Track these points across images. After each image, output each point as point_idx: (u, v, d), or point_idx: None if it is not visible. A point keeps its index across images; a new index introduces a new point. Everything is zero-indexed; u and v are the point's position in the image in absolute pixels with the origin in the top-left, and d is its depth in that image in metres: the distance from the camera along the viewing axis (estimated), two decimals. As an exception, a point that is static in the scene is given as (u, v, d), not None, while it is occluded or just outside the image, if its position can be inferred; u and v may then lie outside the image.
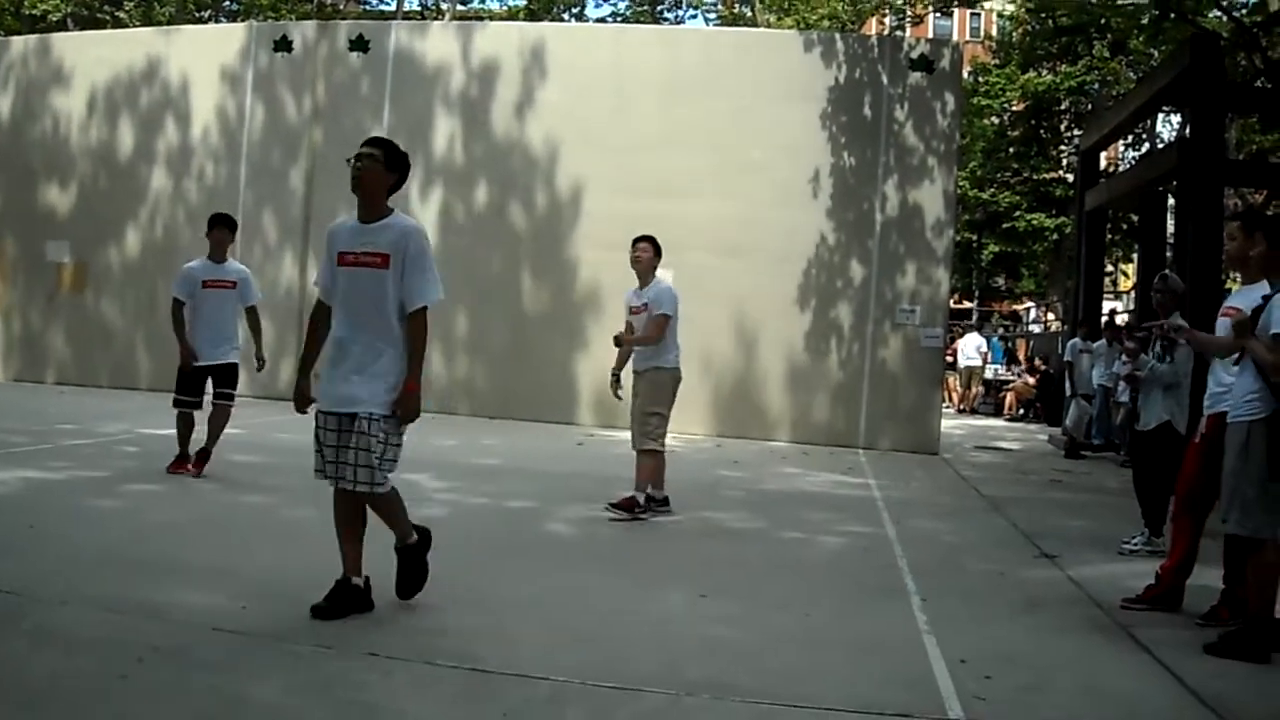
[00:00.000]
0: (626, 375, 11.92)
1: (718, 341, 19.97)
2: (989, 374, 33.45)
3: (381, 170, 7.00)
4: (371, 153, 7.01)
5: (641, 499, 10.99)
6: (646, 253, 11.70)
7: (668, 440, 11.55)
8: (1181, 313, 10.40)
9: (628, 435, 18.78)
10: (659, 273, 12.03)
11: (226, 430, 12.10)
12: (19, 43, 25.21)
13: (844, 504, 13.05)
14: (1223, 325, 7.87)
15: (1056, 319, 35.94)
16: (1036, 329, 40.56)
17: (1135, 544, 10.48)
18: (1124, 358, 11.36)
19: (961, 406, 32.77)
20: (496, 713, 5.25)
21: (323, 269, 7.28)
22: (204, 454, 11.85)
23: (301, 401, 7.62)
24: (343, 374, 7.03)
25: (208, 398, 12.01)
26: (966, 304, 49.62)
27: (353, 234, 7.02)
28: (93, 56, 23.75)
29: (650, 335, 11.31)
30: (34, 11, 38.75)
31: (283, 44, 22.49)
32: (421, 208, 21.23)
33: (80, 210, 23.41)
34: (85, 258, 23.38)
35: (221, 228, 12.36)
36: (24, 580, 6.96)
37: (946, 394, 28.90)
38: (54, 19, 38.67)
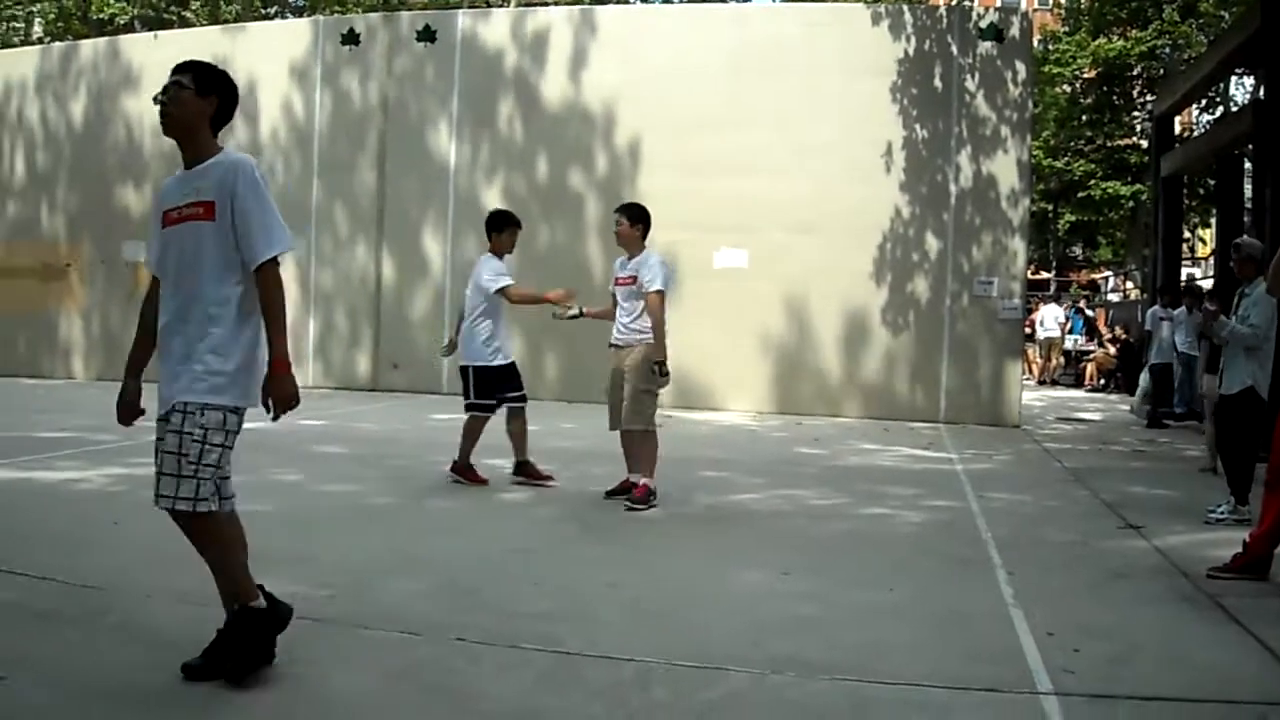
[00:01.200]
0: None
1: (794, 319, 19.98)
2: (1069, 344, 33.17)
3: (193, 97, 5.50)
4: (178, 79, 5.51)
5: (653, 483, 10.34)
6: (623, 225, 10.59)
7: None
8: (1261, 273, 10.24)
9: (707, 415, 18.90)
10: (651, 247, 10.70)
11: (307, 421, 12.13)
12: (88, 46, 25.48)
13: (926, 479, 12.97)
14: None
15: (1135, 287, 35.62)
16: (1115, 298, 40.19)
17: (1221, 512, 10.35)
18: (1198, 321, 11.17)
19: (1042, 378, 32.55)
20: (582, 695, 5.25)
21: (150, 240, 5.76)
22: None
23: (126, 412, 5.98)
24: (169, 368, 5.44)
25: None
26: (1044, 274, 49.21)
27: (178, 185, 5.55)
28: (160, 58, 23.92)
29: (656, 319, 10.21)
30: (101, 15, 39.09)
31: (349, 37, 22.60)
32: (487, 193, 21.33)
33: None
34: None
35: (513, 228, 12.32)
36: (109, 575, 7.03)
37: (1026, 366, 28.68)
38: (121, 21, 39.00)
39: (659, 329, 10.23)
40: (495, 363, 11.46)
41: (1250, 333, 10.04)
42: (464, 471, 11.38)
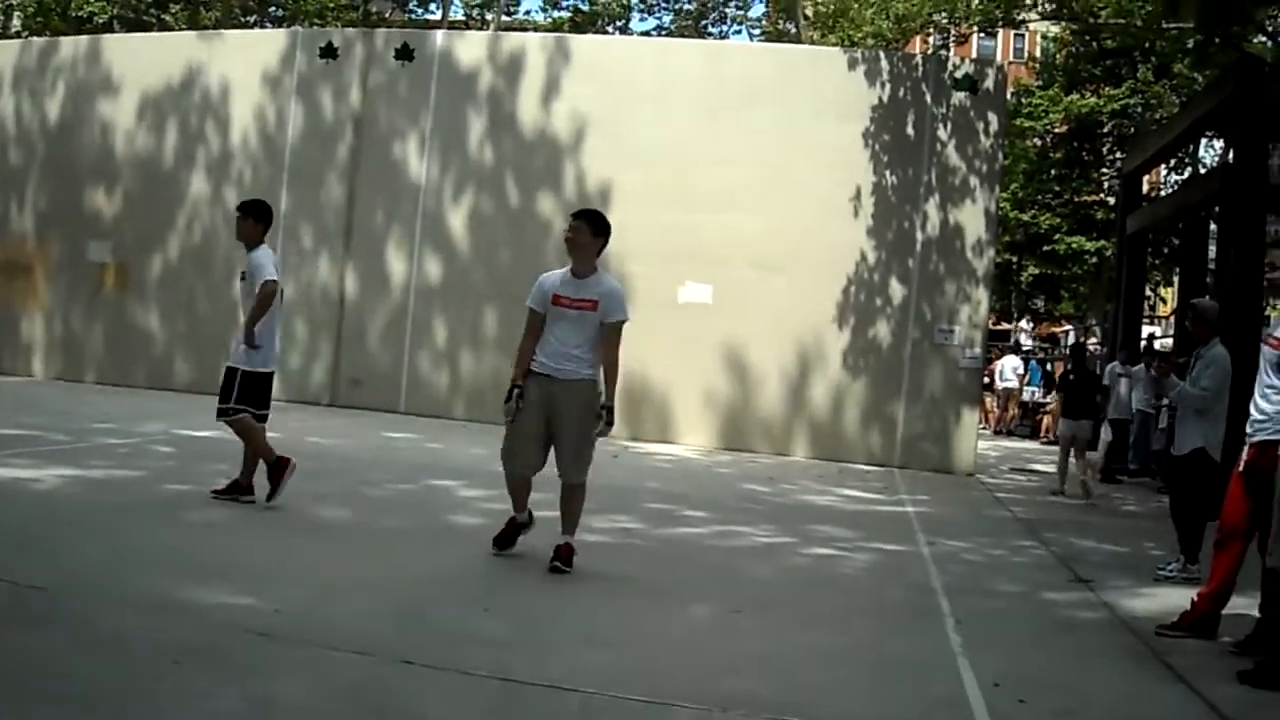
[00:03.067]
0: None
1: (755, 355, 20.02)
2: (1025, 396, 33.32)
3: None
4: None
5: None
6: (583, 234, 8.84)
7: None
8: (1220, 337, 10.39)
9: (658, 448, 18.88)
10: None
11: (268, 433, 11.93)
12: (68, 44, 25.38)
13: (878, 522, 13.02)
14: (1268, 355, 7.82)
15: (1095, 341, 35.81)
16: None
17: (1171, 570, 10.42)
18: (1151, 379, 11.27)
19: (998, 428, 32.67)
20: (527, 723, 5.24)
21: None
22: None
23: None
24: None
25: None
26: (1005, 325, 49.42)
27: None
28: (137, 60, 23.92)
29: (613, 358, 8.80)
30: (80, 13, 38.96)
31: (328, 51, 22.57)
32: (454, 213, 21.39)
33: (123, 213, 23.58)
34: (125, 261, 23.55)
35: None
36: (61, 577, 6.98)
37: (983, 415, 28.78)
38: (100, 20, 38.87)
39: (616, 368, 8.83)
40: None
41: (1199, 395, 10.13)
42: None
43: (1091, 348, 35.23)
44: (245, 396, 10.46)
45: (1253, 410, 7.97)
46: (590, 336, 8.72)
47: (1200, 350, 10.55)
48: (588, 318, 8.71)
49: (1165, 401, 11.73)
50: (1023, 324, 46.47)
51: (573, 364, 8.68)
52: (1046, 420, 31.25)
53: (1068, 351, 22.44)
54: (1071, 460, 17.42)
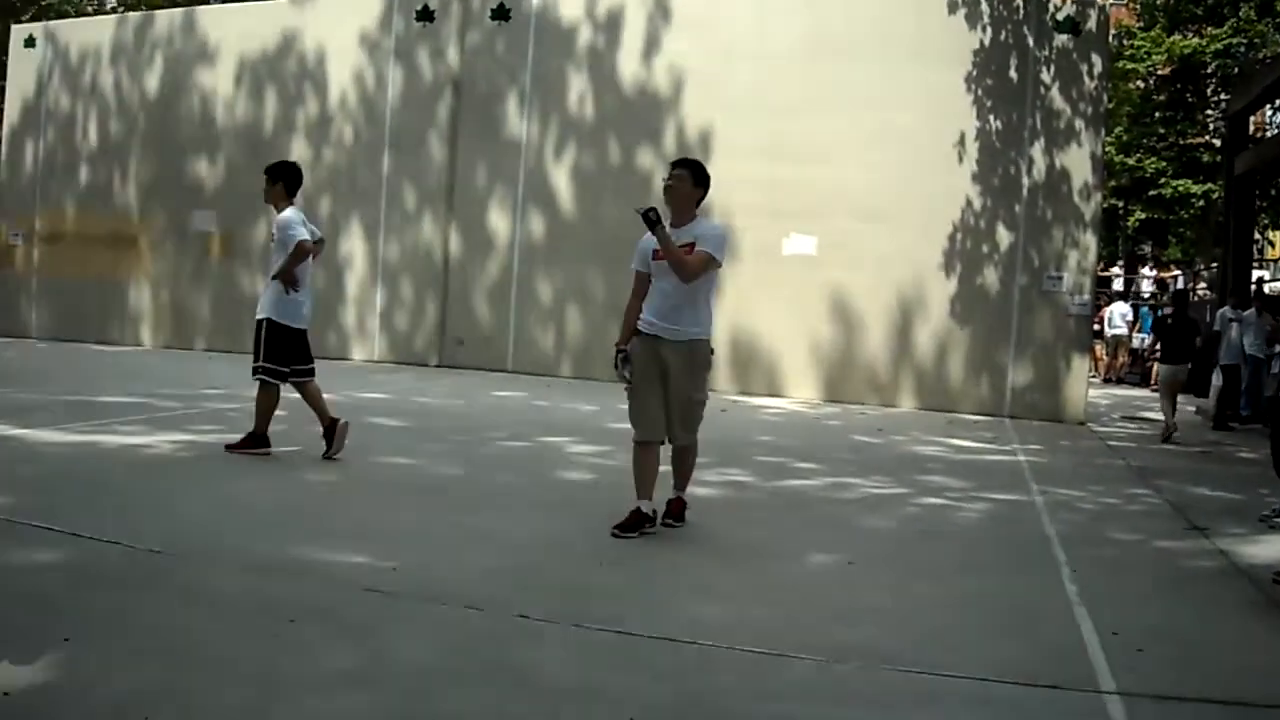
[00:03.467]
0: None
1: (861, 306, 19.92)
2: (1135, 343, 32.89)
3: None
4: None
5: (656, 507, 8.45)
6: (684, 184, 8.39)
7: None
8: None
9: (766, 401, 18.87)
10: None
11: (370, 394, 11.98)
12: (163, 17, 25.69)
13: (990, 471, 12.90)
14: None
15: (1204, 286, 35.28)
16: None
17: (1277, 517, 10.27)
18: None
19: (1108, 376, 32.29)
20: (645, 676, 5.23)
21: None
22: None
23: None
24: None
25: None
26: (1114, 271, 48.85)
27: None
28: (233, 29, 24.20)
29: (691, 263, 8.14)
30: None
31: (424, 14, 22.66)
32: (556, 171, 21.49)
33: (225, 183, 23.96)
34: (229, 229, 23.86)
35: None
36: (175, 539, 7.08)
37: (1093, 363, 28.45)
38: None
39: (687, 263, 8.12)
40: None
41: None
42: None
43: (1201, 293, 34.77)
44: (275, 353, 10.65)
45: None
46: (692, 286, 8.24)
47: None
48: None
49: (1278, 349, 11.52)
50: (1145, 270, 45.82)
51: (679, 322, 8.28)
52: (1156, 367, 30.87)
53: (1170, 298, 22.40)
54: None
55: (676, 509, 8.61)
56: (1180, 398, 17.85)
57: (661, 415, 8.38)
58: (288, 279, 10.68)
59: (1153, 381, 29.84)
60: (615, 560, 7.43)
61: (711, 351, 8.58)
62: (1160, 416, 18.14)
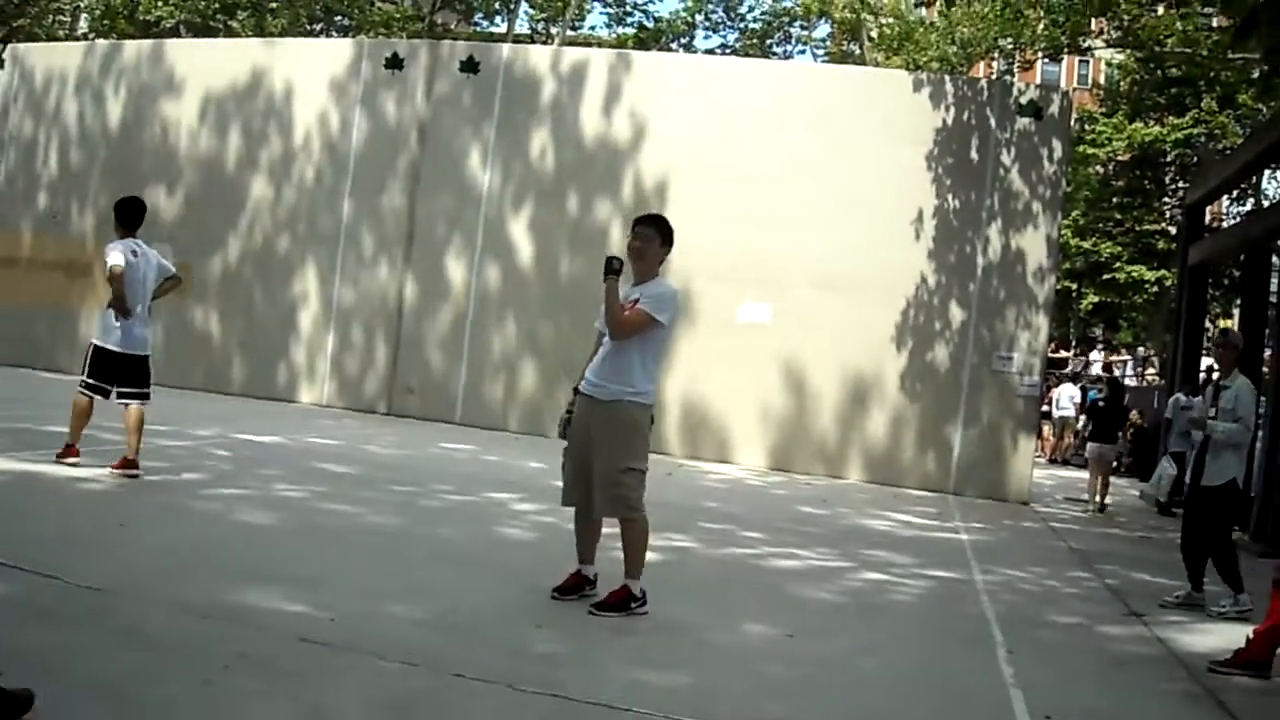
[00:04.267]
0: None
1: (812, 376, 19.98)
2: (1080, 425, 33.08)
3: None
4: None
5: (637, 589, 7.80)
6: (651, 242, 7.99)
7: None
8: (1241, 367, 10.63)
9: (715, 467, 18.88)
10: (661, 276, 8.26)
11: (323, 439, 12.05)
12: (131, 47, 25.65)
13: (932, 548, 12.94)
14: None
15: (1154, 372, 35.57)
16: (1132, 383, 40.13)
17: (1224, 606, 10.33)
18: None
19: (1053, 456, 32.46)
20: (579, 742, 5.24)
21: None
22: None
23: None
24: None
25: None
26: (1063, 353, 49.14)
27: None
28: (201, 64, 24.16)
29: (625, 320, 7.71)
30: (148, 17, 39.28)
31: (393, 61, 22.71)
32: (515, 223, 21.53)
33: (184, 215, 23.80)
34: (185, 262, 23.77)
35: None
36: (114, 578, 7.02)
37: (1039, 443, 28.60)
38: (167, 24, 39.19)
39: (615, 316, 7.71)
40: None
41: (1242, 429, 10.20)
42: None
43: (1150, 377, 35.05)
44: (97, 372, 11.33)
45: None
46: (631, 347, 7.78)
47: (1222, 380, 10.64)
48: None
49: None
50: (1093, 355, 46.22)
51: (607, 379, 7.80)
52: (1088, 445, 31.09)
53: (1105, 383, 23.54)
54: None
55: (608, 600, 7.79)
56: (1124, 482, 17.98)
57: (579, 481, 7.90)
58: (118, 307, 11.46)
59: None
60: (553, 622, 7.40)
61: (651, 420, 8.00)
62: (1105, 501, 18.26)
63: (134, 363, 11.47)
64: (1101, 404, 21.37)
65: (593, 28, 52.43)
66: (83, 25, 43.52)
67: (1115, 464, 29.54)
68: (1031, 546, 14.33)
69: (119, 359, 11.32)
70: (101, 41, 29.10)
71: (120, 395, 11.28)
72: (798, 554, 11.40)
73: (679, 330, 18.46)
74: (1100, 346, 48.73)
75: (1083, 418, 32.37)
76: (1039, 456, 27.44)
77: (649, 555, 7.98)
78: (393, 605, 7.26)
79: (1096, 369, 40.91)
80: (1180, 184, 39.57)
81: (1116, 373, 38.02)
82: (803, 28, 52.93)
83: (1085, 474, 28.30)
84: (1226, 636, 8.84)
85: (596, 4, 50.45)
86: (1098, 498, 19.60)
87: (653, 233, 8.03)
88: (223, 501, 10.49)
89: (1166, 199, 42.11)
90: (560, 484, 8.16)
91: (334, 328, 22.69)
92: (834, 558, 11.43)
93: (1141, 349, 46.39)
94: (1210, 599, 10.57)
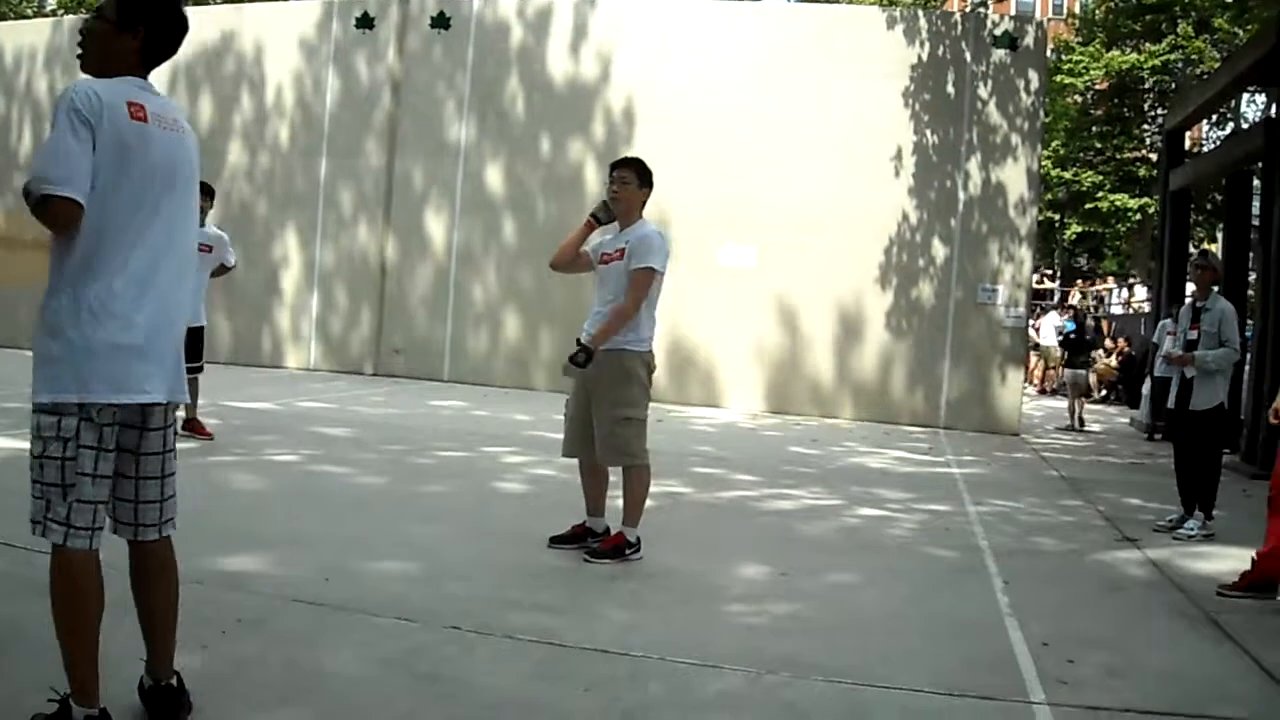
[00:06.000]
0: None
1: (800, 317, 19.99)
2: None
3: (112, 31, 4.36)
4: (99, 10, 4.45)
5: (633, 535, 7.94)
6: (629, 186, 8.03)
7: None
8: (1219, 288, 10.70)
9: (703, 411, 18.87)
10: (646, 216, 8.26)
11: (307, 403, 12.08)
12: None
13: (924, 483, 12.96)
14: None
15: (1143, 298, 35.60)
16: (1118, 310, 40.17)
17: (1191, 528, 10.38)
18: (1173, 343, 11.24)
19: (1042, 388, 32.48)
20: (577, 688, 5.22)
21: None
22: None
23: None
24: None
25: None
26: (1048, 284, 49.19)
27: None
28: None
29: (630, 302, 7.80)
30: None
31: (363, 21, 22.56)
32: (497, 184, 21.44)
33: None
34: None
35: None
36: (107, 549, 6.99)
37: (1028, 375, 28.64)
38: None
39: (620, 316, 7.78)
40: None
41: (1232, 353, 10.21)
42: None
43: (1138, 304, 35.08)
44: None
45: None
46: (620, 294, 7.85)
47: (1200, 303, 10.61)
48: (616, 270, 7.91)
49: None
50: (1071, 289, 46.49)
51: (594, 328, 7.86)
52: (1092, 379, 31.13)
53: (1071, 314, 27.75)
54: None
55: (604, 546, 7.92)
56: (1113, 409, 18.05)
57: (581, 432, 8.00)
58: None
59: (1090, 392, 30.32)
60: (549, 572, 7.41)
61: (651, 368, 8.08)
62: (1095, 428, 18.30)
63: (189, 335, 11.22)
64: (1071, 335, 24.05)
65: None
66: (51, 3, 43.23)
67: (1107, 393, 29.90)
68: (1023, 477, 14.34)
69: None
70: (69, 17, 28.88)
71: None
72: (790, 494, 11.42)
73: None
74: (1076, 287, 48.89)
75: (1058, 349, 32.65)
76: (1029, 387, 27.48)
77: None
78: (387, 563, 7.25)
79: (1075, 299, 41.03)
80: (1159, 111, 39.56)
81: (1082, 308, 38.17)
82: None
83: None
84: (1220, 558, 8.90)
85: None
86: (1075, 419, 21.78)
87: (631, 175, 8.05)
88: (214, 469, 10.46)
89: (1146, 126, 42.11)
90: (555, 435, 8.17)
91: (317, 290, 22.62)
92: (827, 496, 11.45)
93: (1129, 277, 46.47)
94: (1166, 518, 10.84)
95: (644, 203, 8.15)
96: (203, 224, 11.28)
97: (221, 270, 12.69)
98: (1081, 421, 21.81)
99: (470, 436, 14.03)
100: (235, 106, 23.37)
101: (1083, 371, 23.19)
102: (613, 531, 8.05)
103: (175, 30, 4.54)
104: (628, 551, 7.86)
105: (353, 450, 12.29)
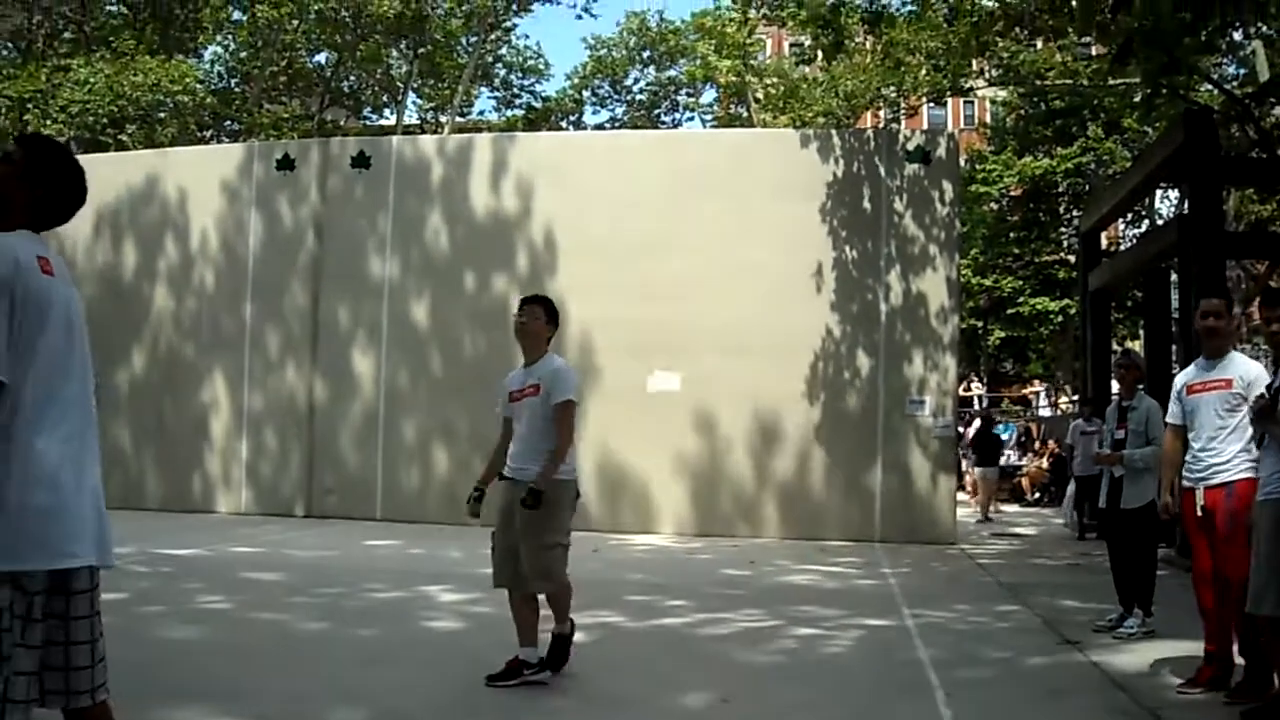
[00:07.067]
0: (493, 487, 8.50)
1: (728, 439, 19.97)
2: (1001, 460, 33.25)
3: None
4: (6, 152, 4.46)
5: (533, 656, 8.05)
6: (537, 321, 8.38)
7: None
8: (1144, 386, 11.09)
9: (639, 538, 18.81)
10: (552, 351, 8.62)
11: (243, 547, 11.92)
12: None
13: (862, 597, 12.97)
14: (1218, 399, 8.09)
15: (1069, 400, 35.95)
16: (1046, 412, 40.51)
17: (1131, 626, 10.44)
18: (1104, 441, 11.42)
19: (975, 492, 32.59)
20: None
21: None
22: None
23: None
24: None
25: None
26: (975, 390, 49.57)
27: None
28: (95, 177, 23.57)
29: (564, 439, 8.09)
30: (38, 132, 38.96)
31: (284, 162, 22.60)
32: (423, 320, 21.44)
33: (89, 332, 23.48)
34: (95, 377, 23.47)
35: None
36: (34, 710, 6.90)
37: (961, 483, 28.76)
38: (60, 141, 38.90)
39: (563, 449, 8.07)
40: None
41: (1158, 450, 10.29)
42: None
43: (1064, 406, 35.41)
44: None
45: (1206, 456, 8.07)
46: (541, 427, 8.11)
47: (1126, 402, 10.77)
48: (534, 405, 8.14)
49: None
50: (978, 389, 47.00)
51: (529, 463, 8.05)
52: (1024, 482, 31.30)
53: (980, 418, 30.82)
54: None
55: (552, 655, 8.16)
56: (1048, 510, 18.19)
57: (510, 561, 8.10)
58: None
59: (1025, 495, 30.67)
60: (486, 709, 7.36)
61: (576, 494, 8.35)
62: (1031, 531, 18.35)
63: None
64: (980, 436, 27.18)
65: (481, 112, 52.58)
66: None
67: (1039, 495, 30.45)
68: (961, 585, 14.38)
69: None
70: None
71: None
72: (726, 618, 11.35)
73: (591, 405, 18.50)
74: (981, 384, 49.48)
75: (1008, 454, 32.95)
76: (962, 495, 27.59)
77: (578, 636, 8.08)
78: (328, 712, 7.17)
79: (1005, 404, 41.49)
80: (1074, 213, 40.20)
81: (988, 411, 38.75)
82: (689, 94, 53.46)
83: (1009, 507, 29.02)
84: (1160, 654, 8.93)
85: (484, 89, 50.46)
86: (984, 512, 25.39)
87: (539, 309, 8.43)
88: (144, 620, 10.32)
89: (1063, 229, 42.79)
90: (488, 571, 8.25)
91: (246, 433, 22.43)
92: (763, 618, 11.39)
93: (1052, 380, 46.96)
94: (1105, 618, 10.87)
95: (549, 338, 8.49)
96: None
97: None
98: (987, 515, 25.16)
99: (405, 576, 13.90)
100: (160, 251, 23.28)
101: (992, 469, 26.46)
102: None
103: (75, 196, 4.58)
104: (526, 672, 7.96)
105: (287, 595, 12.18)
